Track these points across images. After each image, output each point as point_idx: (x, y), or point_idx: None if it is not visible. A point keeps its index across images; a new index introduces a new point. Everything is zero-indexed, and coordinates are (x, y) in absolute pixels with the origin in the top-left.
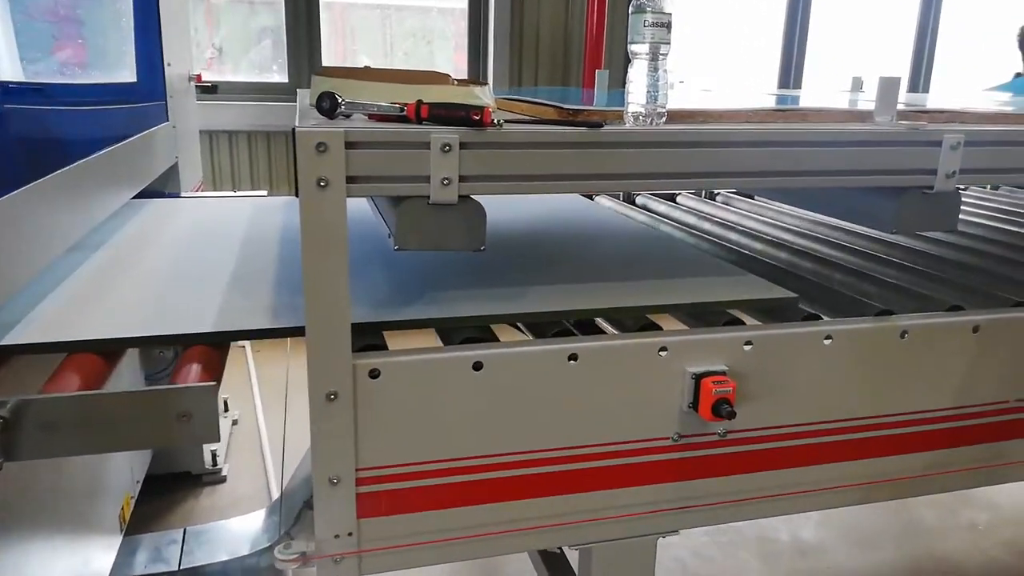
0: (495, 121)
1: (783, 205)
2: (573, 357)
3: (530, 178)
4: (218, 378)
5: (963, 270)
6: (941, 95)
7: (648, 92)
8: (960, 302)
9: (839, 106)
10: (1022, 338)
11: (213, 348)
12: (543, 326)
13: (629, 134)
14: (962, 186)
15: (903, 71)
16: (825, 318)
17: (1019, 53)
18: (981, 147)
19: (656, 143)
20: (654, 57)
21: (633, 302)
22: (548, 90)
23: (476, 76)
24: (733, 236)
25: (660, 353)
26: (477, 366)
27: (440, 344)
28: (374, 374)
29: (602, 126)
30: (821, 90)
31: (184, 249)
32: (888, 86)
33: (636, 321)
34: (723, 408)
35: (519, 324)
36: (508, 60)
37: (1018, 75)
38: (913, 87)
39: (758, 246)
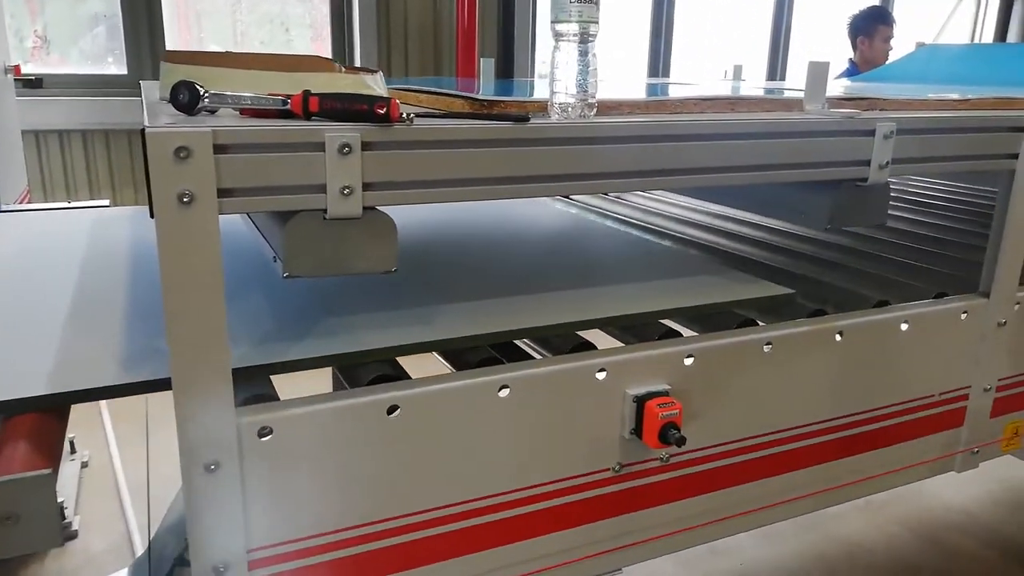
0: (403, 115)
1: (674, 196)
2: (503, 388)
3: (448, 183)
4: (55, 460)
5: (875, 262)
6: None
7: (578, 80)
8: (883, 296)
9: (765, 95)
10: (946, 330)
11: (47, 416)
12: (462, 354)
13: (561, 129)
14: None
15: (761, 60)
16: (761, 323)
17: (849, 41)
18: (911, 135)
19: (592, 139)
20: (583, 39)
21: (572, 317)
22: (423, 80)
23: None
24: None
25: (598, 375)
26: (392, 410)
27: (344, 386)
28: (264, 432)
29: (527, 120)
30: (704, 78)
31: (5, 278)
32: (817, 72)
33: (566, 340)
34: (671, 434)
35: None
36: (376, 48)
37: (851, 61)
38: (771, 75)
39: (666, 243)
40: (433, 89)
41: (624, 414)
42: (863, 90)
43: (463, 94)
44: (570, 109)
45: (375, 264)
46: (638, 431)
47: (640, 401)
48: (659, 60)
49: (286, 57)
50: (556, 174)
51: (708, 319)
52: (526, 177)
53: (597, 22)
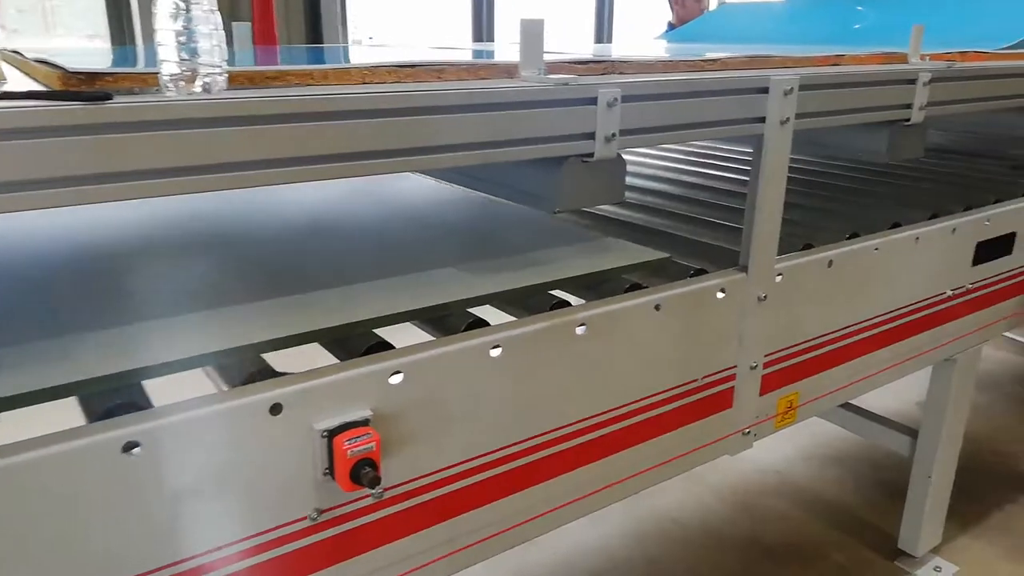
0: None
1: None
2: (133, 448)
3: None
4: None
5: (644, 235)
6: (622, 46)
7: (182, 45)
8: (637, 279)
9: (484, 59)
10: (704, 311)
11: None
12: (97, 398)
13: (160, 109)
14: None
15: (588, 23)
16: (491, 323)
17: (667, 2)
18: (641, 102)
19: (205, 120)
20: None
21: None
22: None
23: (122, 37)
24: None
25: (274, 414)
26: None
27: None
28: None
29: (108, 98)
30: (509, 43)
31: None
32: (531, 31)
33: (246, 365)
34: (365, 473)
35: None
36: None
37: (670, 24)
38: (598, 38)
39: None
40: (46, 59)
41: (315, 452)
42: (606, 53)
43: (59, 64)
44: (181, 83)
45: None
46: (331, 471)
47: (330, 436)
48: (482, 21)
49: None
50: (160, 168)
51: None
52: (115, 174)
53: None
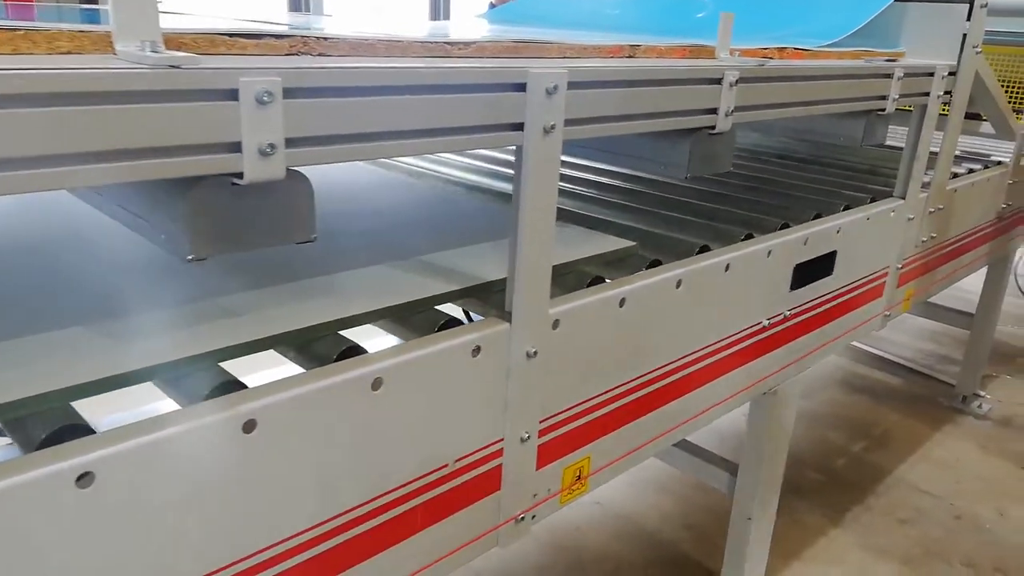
0: None
1: None
2: None
3: None
4: None
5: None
6: (455, 23)
7: None
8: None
9: (93, 24)
10: (452, 378)
11: None
12: None
13: None
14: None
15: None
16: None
17: None
18: (320, 99)
19: None
20: None
21: None
22: None
23: None
24: None
25: None
26: None
27: None
28: None
29: None
30: (346, 15)
31: None
32: None
33: None
34: None
35: None
36: None
37: (491, 4)
38: (435, 14)
39: None
40: None
41: None
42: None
43: None
44: None
45: None
46: None
47: None
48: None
49: None
50: None
51: None
52: None
53: None
